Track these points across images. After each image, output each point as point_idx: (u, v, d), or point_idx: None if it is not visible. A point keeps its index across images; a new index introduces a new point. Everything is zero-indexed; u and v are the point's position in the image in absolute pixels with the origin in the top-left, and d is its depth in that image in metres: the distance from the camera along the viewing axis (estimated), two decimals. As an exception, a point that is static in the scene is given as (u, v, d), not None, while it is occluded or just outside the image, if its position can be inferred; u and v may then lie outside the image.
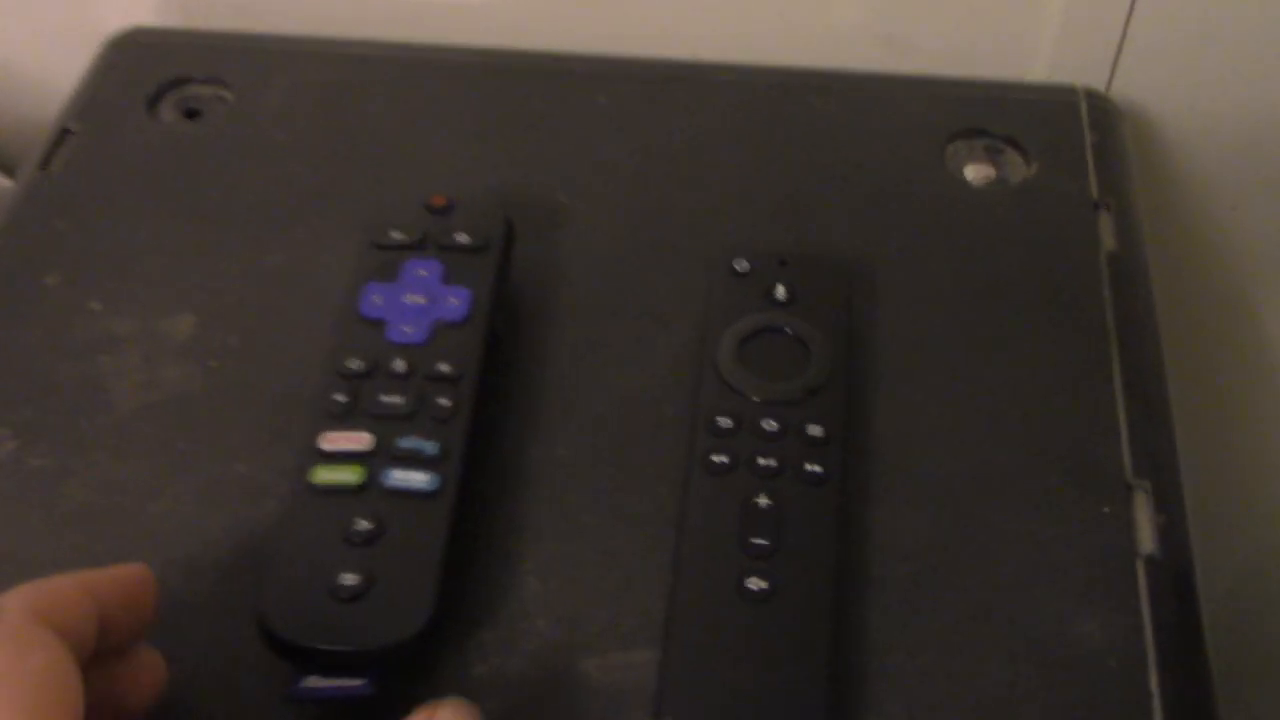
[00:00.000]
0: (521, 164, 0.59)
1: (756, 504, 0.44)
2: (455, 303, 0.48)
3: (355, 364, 0.46)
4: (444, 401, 0.45)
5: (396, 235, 0.50)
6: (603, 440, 0.49)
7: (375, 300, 0.48)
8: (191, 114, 0.62)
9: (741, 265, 0.51)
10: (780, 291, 0.50)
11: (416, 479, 0.43)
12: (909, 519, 0.46)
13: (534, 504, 0.47)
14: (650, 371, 0.51)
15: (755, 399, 0.47)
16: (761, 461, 0.45)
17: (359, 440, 0.44)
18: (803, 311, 0.49)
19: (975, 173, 0.58)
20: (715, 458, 0.45)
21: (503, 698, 0.42)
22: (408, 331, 0.47)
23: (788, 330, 0.49)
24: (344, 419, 0.45)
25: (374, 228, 0.50)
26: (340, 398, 0.45)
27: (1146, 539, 0.45)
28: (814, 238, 0.56)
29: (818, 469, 0.45)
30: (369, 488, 0.43)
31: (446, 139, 0.60)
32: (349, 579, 0.40)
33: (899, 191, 0.57)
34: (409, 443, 0.44)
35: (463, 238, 0.50)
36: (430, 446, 0.44)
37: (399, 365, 0.46)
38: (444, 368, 0.46)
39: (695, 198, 0.57)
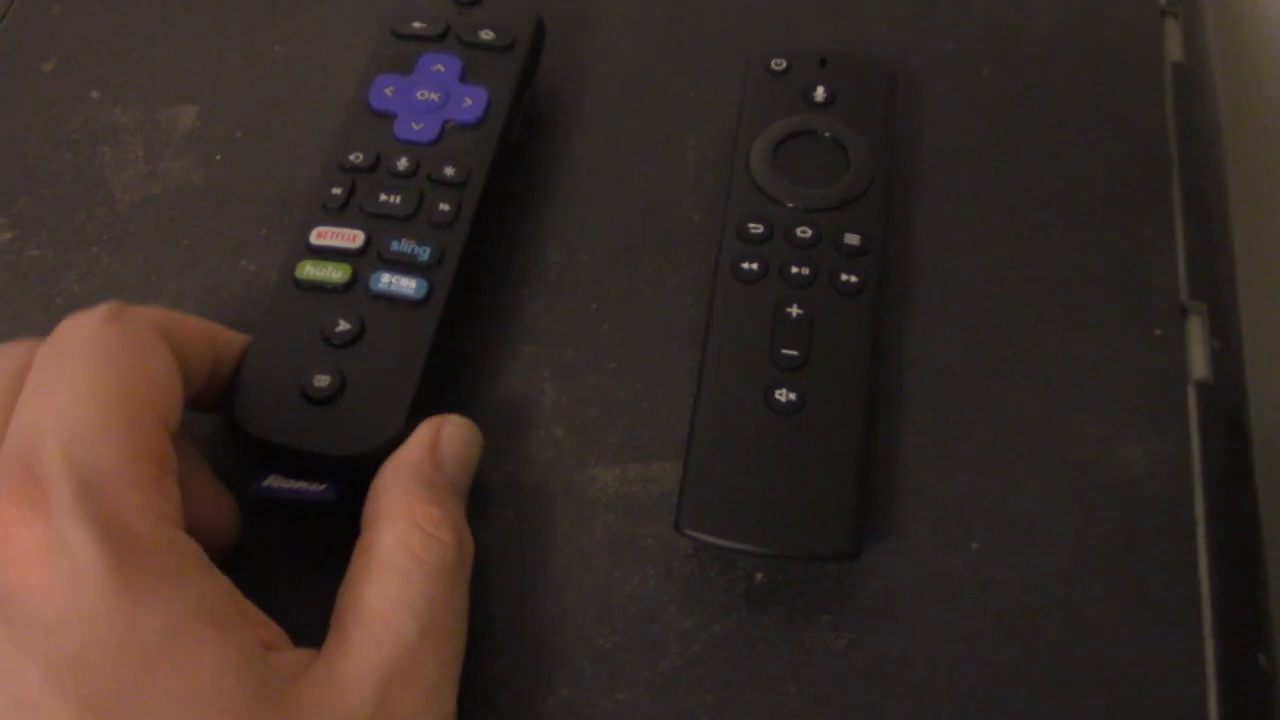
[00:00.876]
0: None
1: (788, 314, 0.41)
2: (470, 103, 0.45)
3: (357, 157, 0.43)
4: (444, 206, 0.42)
5: (417, 25, 0.47)
6: (626, 246, 0.46)
7: (387, 93, 0.45)
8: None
9: (779, 64, 0.47)
10: (819, 93, 0.47)
11: (404, 285, 0.40)
12: (947, 335, 0.44)
13: (552, 310, 0.44)
14: (678, 176, 0.48)
15: (789, 205, 0.44)
16: (794, 270, 0.42)
17: (350, 238, 0.41)
18: (843, 114, 0.46)
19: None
20: (745, 265, 0.42)
21: (516, 507, 0.40)
22: (416, 128, 0.44)
23: (826, 134, 0.45)
24: (338, 214, 0.42)
25: (394, 15, 0.47)
26: (337, 191, 0.42)
27: (1199, 364, 0.43)
28: (858, 38, 0.52)
29: (853, 279, 0.42)
30: (354, 288, 0.40)
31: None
32: (322, 380, 0.38)
33: None
34: (402, 246, 0.41)
35: (488, 34, 0.46)
36: (423, 252, 0.41)
37: (402, 163, 0.43)
38: (449, 171, 0.43)
39: (731, -5, 0.53)
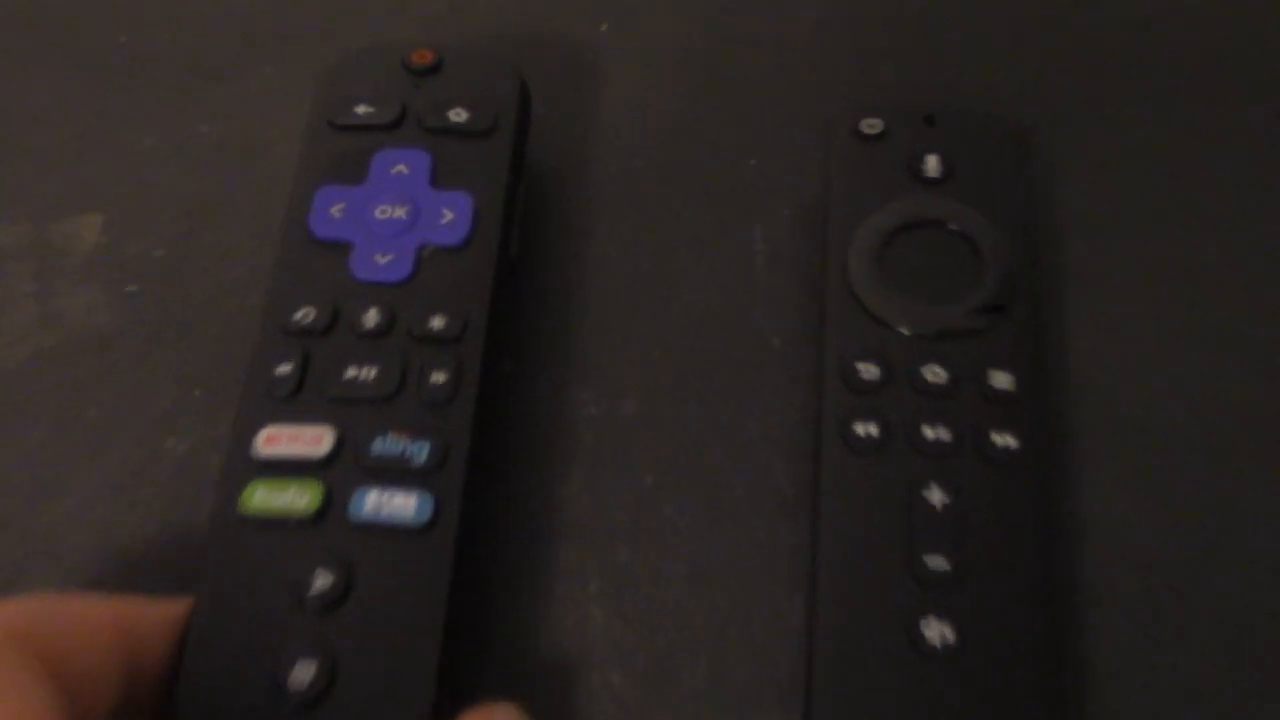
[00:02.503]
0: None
1: (926, 501, 0.30)
2: (450, 216, 0.32)
3: (305, 314, 0.31)
4: (438, 377, 0.30)
5: (362, 110, 0.34)
6: (683, 388, 0.34)
7: (334, 213, 0.33)
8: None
9: (872, 126, 0.35)
10: (931, 164, 0.34)
11: (399, 505, 0.28)
12: (1141, 506, 0.32)
13: (593, 488, 0.33)
14: (744, 282, 0.36)
15: (906, 331, 0.32)
16: (927, 433, 0.30)
17: (313, 439, 0.29)
18: (965, 193, 0.34)
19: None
20: (859, 427, 0.30)
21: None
22: (381, 262, 0.32)
23: (950, 224, 0.33)
24: (292, 404, 0.30)
25: (330, 97, 0.35)
26: (285, 369, 0.30)
27: None
28: (966, 80, 0.39)
29: (1009, 441, 0.30)
30: (329, 517, 0.29)
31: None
32: (304, 670, 0.27)
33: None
34: (388, 445, 0.29)
35: (459, 114, 0.34)
36: (419, 450, 0.29)
37: (370, 318, 0.31)
38: (436, 322, 0.31)
39: (791, 22, 0.41)
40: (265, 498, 0.29)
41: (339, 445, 0.29)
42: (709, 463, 0.33)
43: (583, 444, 0.33)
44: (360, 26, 0.41)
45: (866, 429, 0.30)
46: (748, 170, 0.38)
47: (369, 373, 0.30)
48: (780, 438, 0.33)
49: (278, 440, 0.29)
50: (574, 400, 0.34)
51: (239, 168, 0.38)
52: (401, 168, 0.33)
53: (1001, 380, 0.31)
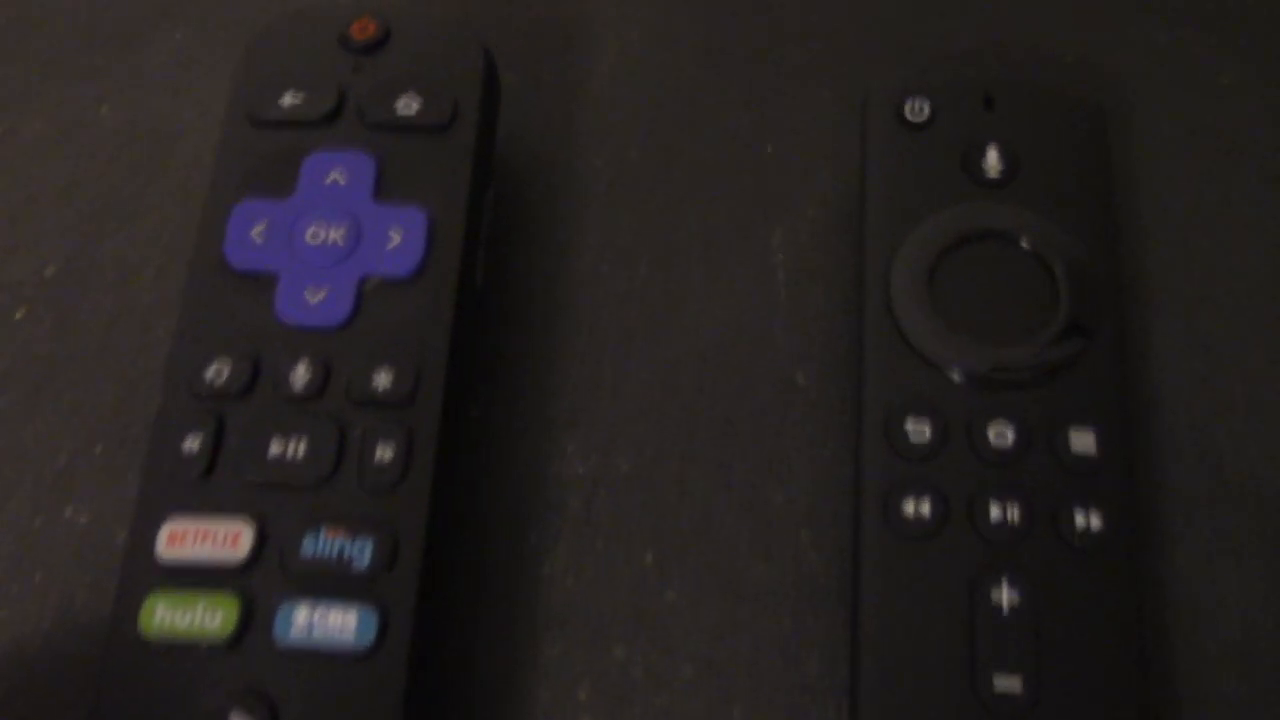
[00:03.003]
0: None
1: (993, 602, 0.24)
2: (398, 239, 0.26)
3: (218, 373, 0.25)
4: (384, 452, 0.24)
5: (289, 101, 0.28)
6: (689, 439, 0.28)
7: (254, 236, 0.26)
8: None
9: (917, 109, 0.28)
10: (992, 160, 0.28)
11: (335, 624, 0.23)
12: (1249, 590, 0.26)
13: (579, 575, 0.27)
14: (763, 299, 0.29)
15: (964, 377, 0.26)
16: (995, 512, 0.24)
17: (228, 538, 0.23)
18: (1034, 197, 0.28)
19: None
20: (907, 506, 0.25)
21: None
22: (313, 300, 0.26)
23: (1020, 240, 0.27)
24: (200, 489, 0.24)
25: (251, 83, 0.28)
26: (192, 445, 0.24)
27: None
28: (1027, 46, 0.33)
29: (1095, 522, 0.24)
30: (248, 641, 0.23)
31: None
32: None
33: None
34: (321, 544, 0.23)
35: (409, 104, 0.27)
36: (360, 549, 0.23)
37: (299, 376, 0.25)
38: (382, 378, 0.25)
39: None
40: (168, 617, 0.23)
41: (260, 545, 0.23)
42: (722, 536, 0.27)
43: (567, 512, 0.27)
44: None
45: (917, 507, 0.25)
46: (765, 160, 0.31)
47: (297, 448, 0.24)
48: (810, 505, 0.27)
49: (183, 539, 0.23)
50: (556, 456, 0.28)
51: (146, 161, 0.32)
52: (338, 175, 0.27)
53: (1083, 442, 0.25)
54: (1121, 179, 0.30)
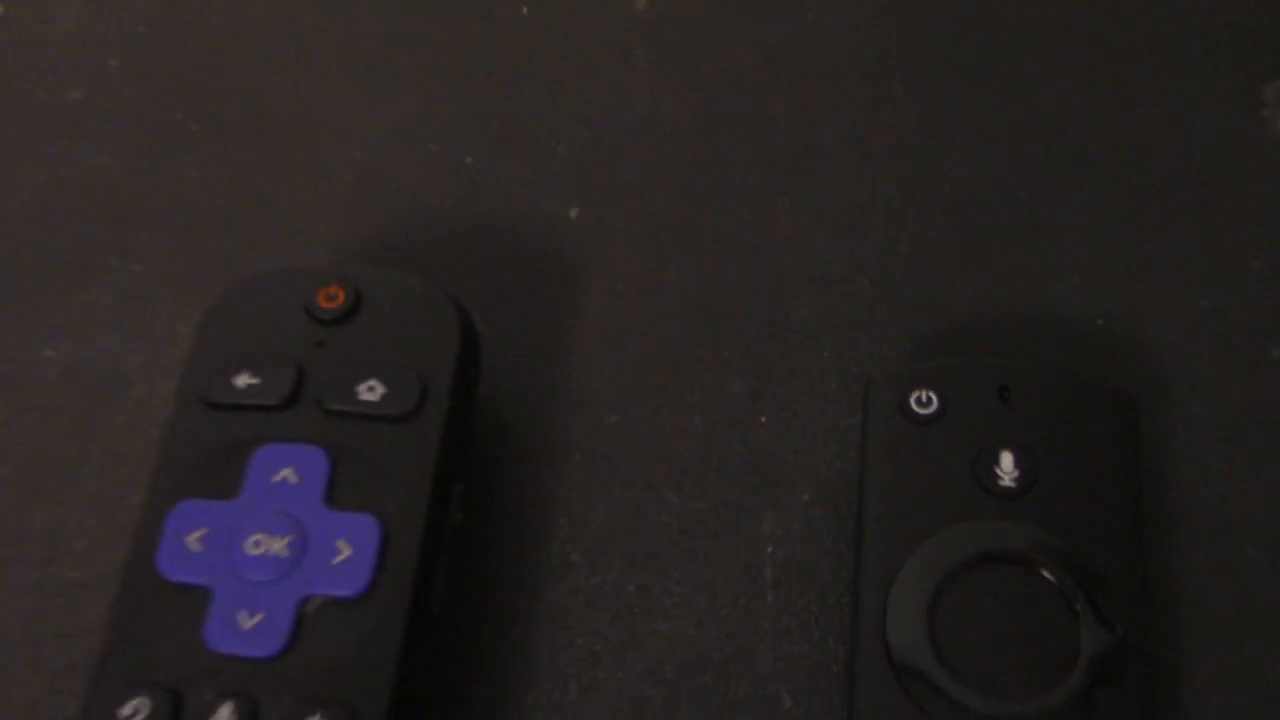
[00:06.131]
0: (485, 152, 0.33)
1: None
2: (346, 553, 0.23)
3: (134, 711, 0.22)
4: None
5: (244, 383, 0.25)
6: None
7: (191, 543, 0.24)
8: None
9: (924, 402, 0.26)
10: (1007, 467, 0.25)
11: None
12: None
13: None
14: (748, 613, 0.27)
15: (973, 726, 0.23)
16: None
17: None
18: (1053, 510, 0.25)
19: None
20: None
21: None
22: (247, 626, 0.23)
23: (1036, 565, 0.24)
24: None
25: (207, 357, 0.26)
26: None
27: None
28: (1048, 314, 0.30)
29: None
30: None
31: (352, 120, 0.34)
32: None
33: (1193, 174, 0.32)
34: None
35: (372, 390, 0.25)
36: None
37: (223, 716, 0.22)
38: (315, 732, 0.22)
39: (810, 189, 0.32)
40: None
41: None
42: None
43: None
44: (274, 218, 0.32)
45: None
46: (758, 432, 0.28)
47: (215, 818, 0.22)
48: None
49: None
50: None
51: (96, 403, 0.29)
52: (289, 473, 0.24)
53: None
54: (1154, 478, 0.27)
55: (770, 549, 0.27)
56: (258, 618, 0.23)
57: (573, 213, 0.31)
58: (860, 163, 0.32)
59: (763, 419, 0.28)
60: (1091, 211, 0.31)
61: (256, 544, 0.24)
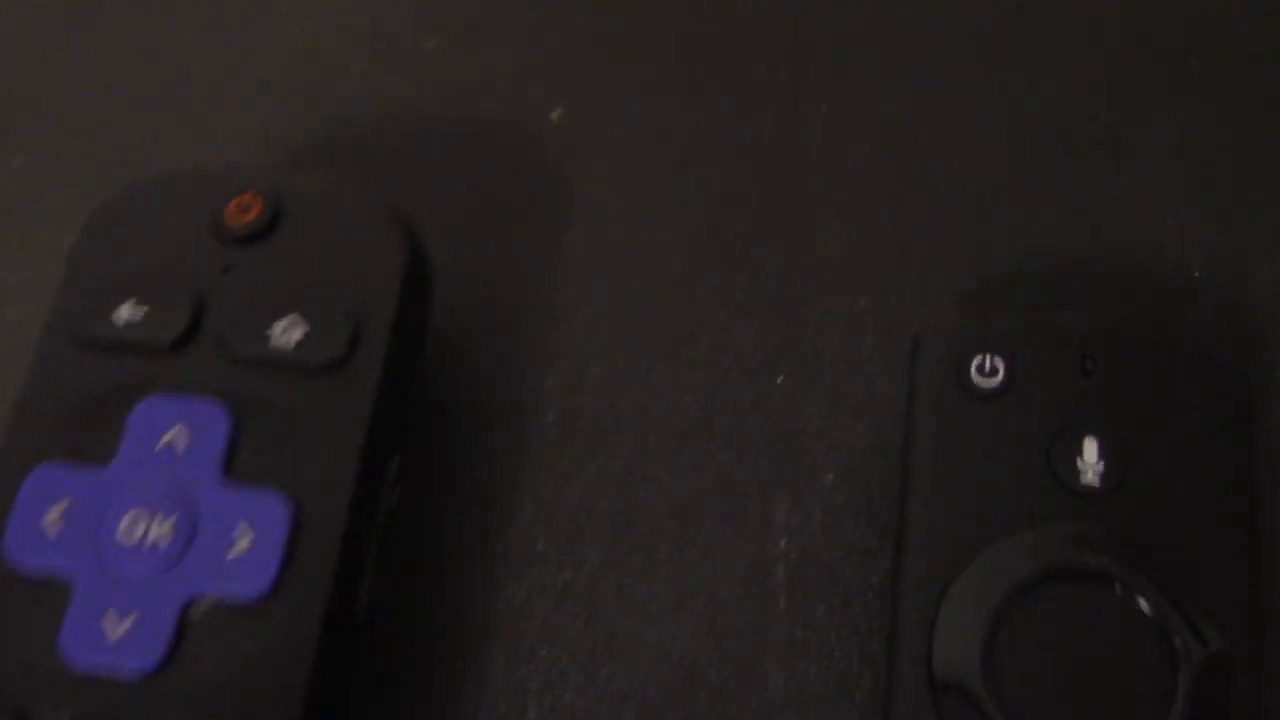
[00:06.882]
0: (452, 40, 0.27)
1: None
2: (245, 542, 0.18)
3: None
4: None
5: (128, 315, 0.20)
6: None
7: (48, 522, 0.19)
8: None
9: (988, 371, 0.21)
10: (1090, 458, 0.20)
11: None
12: None
13: None
14: (751, 632, 0.22)
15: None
16: None
17: None
18: (1148, 515, 0.20)
19: None
20: None
21: None
22: (116, 634, 0.18)
23: (1124, 588, 0.19)
24: None
25: (77, 288, 0.20)
26: None
27: None
28: (1137, 263, 0.25)
29: None
30: None
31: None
32: None
33: None
34: None
35: (286, 332, 0.20)
36: None
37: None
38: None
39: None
40: None
41: None
42: None
43: None
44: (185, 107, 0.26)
45: None
46: (773, 395, 0.23)
47: None
48: None
49: None
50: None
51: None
52: (176, 436, 0.19)
53: None
54: (1272, 473, 0.22)
55: (783, 542, 0.22)
56: (129, 622, 0.18)
57: (555, 114, 0.26)
58: (913, 65, 0.26)
59: (780, 378, 0.23)
60: (1188, 134, 0.25)
61: (131, 527, 0.19)
